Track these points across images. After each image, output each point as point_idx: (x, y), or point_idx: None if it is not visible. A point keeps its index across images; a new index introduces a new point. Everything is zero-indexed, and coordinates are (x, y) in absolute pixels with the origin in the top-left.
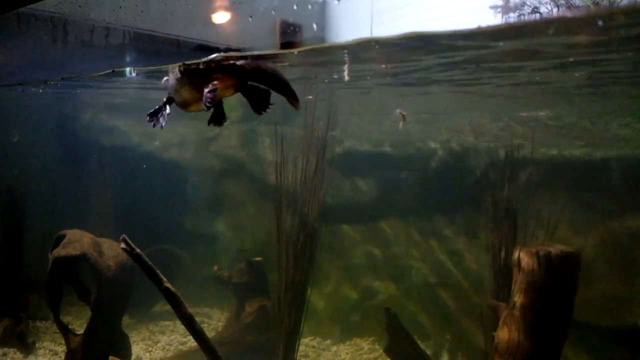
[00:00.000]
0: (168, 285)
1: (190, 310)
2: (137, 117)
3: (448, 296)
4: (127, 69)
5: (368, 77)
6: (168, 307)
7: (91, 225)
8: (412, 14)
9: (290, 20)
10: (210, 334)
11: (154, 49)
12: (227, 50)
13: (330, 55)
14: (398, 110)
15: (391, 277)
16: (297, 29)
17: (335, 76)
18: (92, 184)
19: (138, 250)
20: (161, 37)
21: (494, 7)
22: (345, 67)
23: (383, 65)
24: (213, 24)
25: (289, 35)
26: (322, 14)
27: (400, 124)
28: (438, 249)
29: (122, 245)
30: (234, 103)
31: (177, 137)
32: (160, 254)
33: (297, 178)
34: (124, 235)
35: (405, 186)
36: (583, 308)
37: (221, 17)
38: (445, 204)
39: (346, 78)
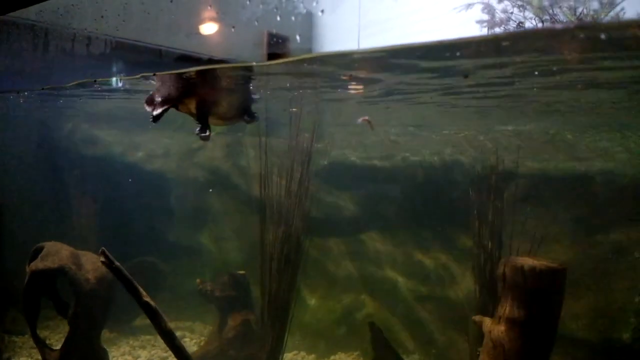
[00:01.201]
0: (147, 299)
1: (173, 324)
2: (121, 127)
3: (434, 310)
4: (113, 79)
5: (353, 91)
6: (149, 321)
7: (71, 238)
8: (398, 27)
9: (274, 31)
10: (192, 348)
11: (136, 58)
12: (209, 61)
13: (319, 65)
14: (361, 119)
15: (376, 290)
16: (283, 41)
17: (322, 88)
18: (73, 195)
19: (117, 263)
20: (143, 47)
21: (480, 22)
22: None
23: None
24: (197, 34)
25: (276, 47)
26: (308, 25)
27: (369, 129)
28: (423, 263)
29: (101, 258)
30: None
31: (161, 148)
32: (142, 266)
33: (281, 190)
34: (103, 247)
35: (390, 199)
36: (569, 322)
37: (205, 28)
38: (430, 218)
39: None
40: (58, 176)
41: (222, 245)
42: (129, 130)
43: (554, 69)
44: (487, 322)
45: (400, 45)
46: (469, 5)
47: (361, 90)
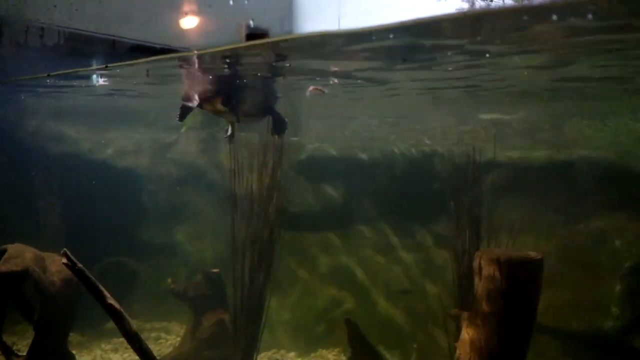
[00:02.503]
0: (111, 301)
1: (148, 324)
2: (89, 124)
3: (415, 304)
4: (94, 76)
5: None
6: (112, 325)
7: (38, 239)
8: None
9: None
10: (167, 349)
11: (89, 50)
12: (162, 50)
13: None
14: (311, 88)
15: (357, 285)
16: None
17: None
18: (39, 194)
19: (80, 265)
20: (97, 38)
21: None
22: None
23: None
24: (151, 23)
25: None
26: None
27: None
28: (405, 256)
29: (63, 259)
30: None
31: (131, 144)
32: (114, 266)
33: (254, 184)
34: (65, 249)
35: (370, 192)
36: (550, 312)
37: (163, 17)
38: (410, 209)
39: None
40: (23, 176)
41: (198, 243)
42: (98, 126)
43: (533, 50)
44: (464, 316)
45: (382, 25)
46: None
47: (336, 81)
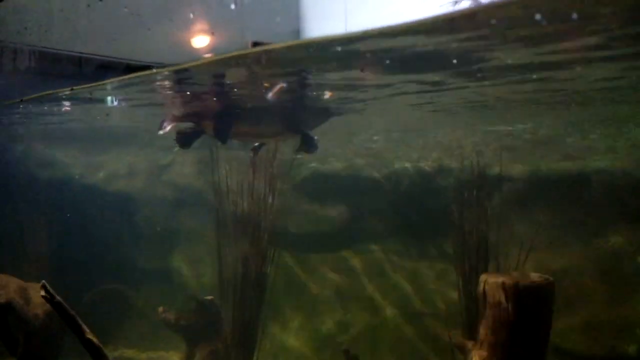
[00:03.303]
0: (90, 336)
1: (144, 354)
2: (79, 147)
3: (426, 327)
4: (109, 98)
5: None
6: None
7: (26, 268)
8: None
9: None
10: None
11: (59, 69)
12: (128, 67)
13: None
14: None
15: (363, 308)
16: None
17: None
18: (27, 221)
19: (58, 297)
20: (65, 56)
21: None
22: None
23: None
24: (116, 40)
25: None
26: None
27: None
28: (413, 277)
29: (42, 292)
30: None
31: (124, 167)
32: (107, 294)
33: (247, 206)
34: (43, 281)
35: (376, 210)
36: (568, 336)
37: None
38: (417, 228)
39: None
40: (10, 202)
41: (196, 268)
42: (89, 149)
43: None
44: (467, 346)
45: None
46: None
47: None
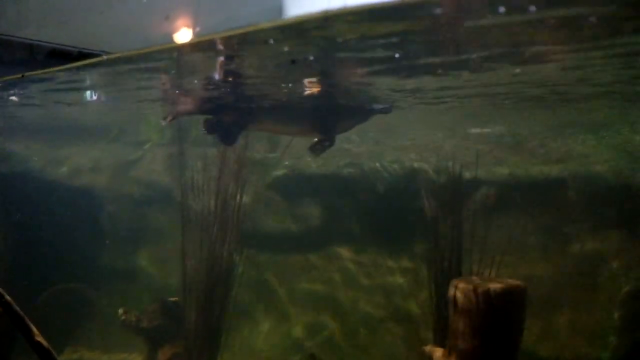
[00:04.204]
0: (40, 339)
1: (105, 356)
2: (42, 140)
3: (398, 331)
4: (88, 92)
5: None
6: (63, 356)
7: None
8: None
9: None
10: None
11: (9, 56)
12: (80, 54)
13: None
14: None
15: (335, 312)
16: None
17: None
18: None
19: (7, 297)
20: (16, 42)
21: None
22: None
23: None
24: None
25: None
26: None
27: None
28: (387, 279)
29: None
30: (156, 123)
31: (89, 161)
32: (65, 293)
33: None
34: None
35: (351, 211)
36: (542, 342)
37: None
38: (392, 231)
39: None
40: None
41: (162, 267)
42: (52, 143)
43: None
44: (437, 353)
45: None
46: None
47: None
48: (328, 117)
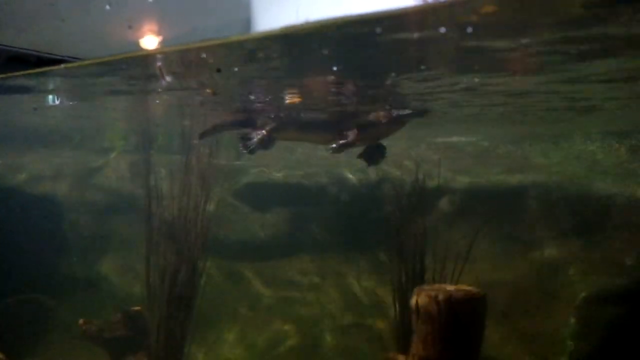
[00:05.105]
0: None
1: None
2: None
3: (360, 340)
4: (50, 97)
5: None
6: None
7: None
8: None
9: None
10: None
11: None
12: (39, 60)
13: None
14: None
15: (301, 321)
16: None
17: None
18: None
19: None
20: None
21: None
22: None
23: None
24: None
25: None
26: None
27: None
28: (351, 288)
29: None
30: (121, 130)
31: (50, 168)
32: (23, 304)
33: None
34: None
35: (316, 219)
36: (502, 347)
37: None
38: (357, 239)
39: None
40: None
41: (126, 277)
42: (10, 149)
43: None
44: None
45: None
46: None
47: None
48: (348, 124)
